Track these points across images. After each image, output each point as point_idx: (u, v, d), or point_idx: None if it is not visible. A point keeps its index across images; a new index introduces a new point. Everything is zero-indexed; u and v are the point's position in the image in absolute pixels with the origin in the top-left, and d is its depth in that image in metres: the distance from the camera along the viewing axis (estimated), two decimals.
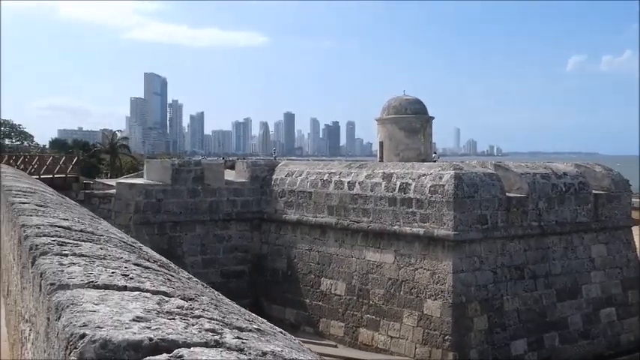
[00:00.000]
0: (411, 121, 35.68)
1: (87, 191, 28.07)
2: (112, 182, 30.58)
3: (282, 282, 27.44)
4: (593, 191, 25.49)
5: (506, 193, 23.00)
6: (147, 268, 2.14)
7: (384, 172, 24.31)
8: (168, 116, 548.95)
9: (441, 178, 22.24)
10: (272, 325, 1.91)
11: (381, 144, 36.70)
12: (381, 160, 35.10)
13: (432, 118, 37.22)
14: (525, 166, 25.37)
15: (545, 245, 23.71)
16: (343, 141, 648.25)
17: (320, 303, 25.75)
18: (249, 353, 1.18)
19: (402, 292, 22.78)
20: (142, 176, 30.51)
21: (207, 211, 27.66)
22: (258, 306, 26.16)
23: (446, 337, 21.13)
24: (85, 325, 1.22)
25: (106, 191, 27.79)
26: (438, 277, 21.70)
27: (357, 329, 24.11)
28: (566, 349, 22.97)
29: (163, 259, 3.15)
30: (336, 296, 25.17)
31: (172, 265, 2.92)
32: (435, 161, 32.91)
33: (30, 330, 2.28)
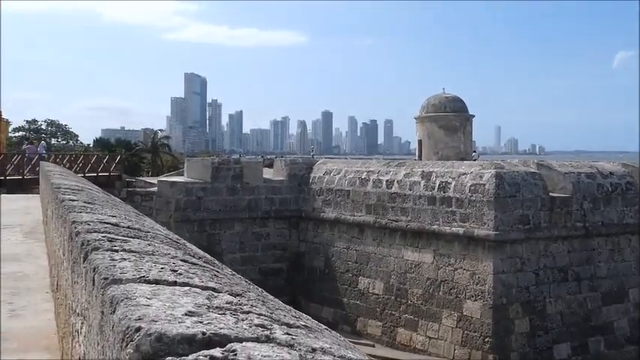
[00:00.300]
0: (450, 119, 35.33)
1: (129, 189, 28.67)
2: (154, 180, 31.16)
3: (319, 280, 27.50)
4: None
5: (550, 193, 22.53)
6: (194, 264, 2.18)
7: (423, 171, 24.11)
8: (207, 115, 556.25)
9: (481, 177, 21.94)
10: (317, 322, 1.92)
11: (420, 142, 36.43)
12: (420, 158, 34.86)
13: (472, 116, 36.77)
14: (569, 165, 24.81)
15: (590, 247, 23.14)
16: (381, 139, 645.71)
17: (357, 302, 25.72)
18: (299, 349, 1.19)
19: (440, 293, 22.57)
20: (182, 174, 31.00)
21: (245, 209, 27.93)
22: (295, 304, 26.27)
23: (486, 339, 20.84)
24: (140, 319, 1.25)
25: (148, 189, 28.33)
26: (478, 277, 21.41)
27: (395, 329, 23.99)
28: (611, 354, 22.37)
29: (207, 255, 3.20)
30: (373, 295, 25.09)
31: (216, 261, 2.96)
32: (474, 160, 32.50)
33: (82, 323, 2.35)
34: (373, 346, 23.74)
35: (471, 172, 22.43)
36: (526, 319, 21.22)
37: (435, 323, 22.55)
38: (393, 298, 24.28)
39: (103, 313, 1.58)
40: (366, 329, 25.01)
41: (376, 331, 24.67)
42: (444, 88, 37.77)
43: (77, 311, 2.63)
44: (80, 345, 2.44)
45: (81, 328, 2.39)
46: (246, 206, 27.99)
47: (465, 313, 21.63)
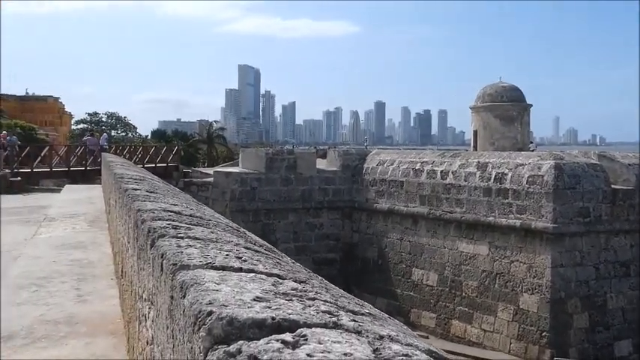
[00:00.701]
0: (507, 108, 34.52)
1: (186, 179, 29.30)
2: (210, 171, 31.74)
3: (372, 271, 27.46)
4: None
5: (612, 185, 21.76)
6: (256, 251, 2.21)
7: (478, 162, 23.68)
8: (261, 106, 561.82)
9: (539, 168, 21.38)
10: (380, 310, 1.93)
11: (475, 132, 35.75)
12: (475, 149, 34.23)
13: (530, 105, 35.83)
14: (633, 156, 23.87)
15: None
16: (435, 130, 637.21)
17: (411, 293, 25.57)
18: (367, 336, 1.20)
19: (496, 285, 22.18)
20: (237, 165, 31.45)
21: (299, 199, 28.12)
22: (349, 294, 26.31)
23: (543, 334, 20.38)
24: (210, 303, 1.28)
25: (204, 179, 28.89)
26: (536, 270, 20.93)
27: (449, 321, 23.74)
28: None
29: (267, 244, 3.24)
30: (427, 287, 24.89)
31: (276, 249, 3.00)
32: (532, 151, 31.68)
33: (149, 308, 2.43)
34: (427, 337, 23.57)
35: (529, 163, 21.89)
36: (585, 314, 20.62)
37: (490, 316, 22.20)
38: (447, 289, 24.02)
39: (172, 297, 1.63)
40: (419, 321, 24.85)
41: (430, 322, 24.48)
42: (500, 77, 36.97)
43: (144, 297, 2.72)
44: (148, 329, 2.52)
45: (148, 312, 2.47)
46: (300, 196, 28.18)
47: (521, 307, 21.20)
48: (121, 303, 5.52)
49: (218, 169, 32.61)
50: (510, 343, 21.31)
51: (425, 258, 25.17)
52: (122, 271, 5.37)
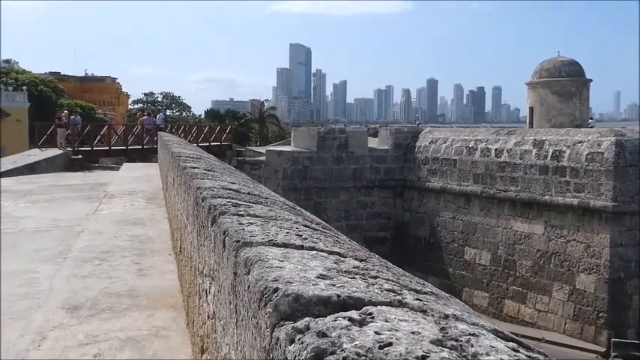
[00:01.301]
0: (565, 84, 33.39)
1: (239, 158, 29.72)
2: (262, 150, 32.06)
3: (424, 250, 27.30)
4: None
5: None
6: (315, 229, 2.23)
7: (534, 139, 23.07)
8: (312, 85, 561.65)
9: (599, 145, 20.66)
10: (439, 290, 1.92)
11: (531, 109, 34.78)
12: (531, 126, 33.33)
13: (590, 80, 34.54)
14: None
15: None
16: (488, 107, 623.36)
17: (464, 272, 25.33)
18: (433, 314, 1.20)
19: (551, 265, 21.71)
20: (288, 144, 31.64)
21: (350, 177, 28.12)
22: None
23: (600, 314, 19.89)
24: (276, 280, 1.30)
25: (257, 158, 29.22)
26: (593, 250, 20.36)
27: (502, 301, 23.43)
28: None
29: (323, 222, 3.26)
30: (480, 266, 24.59)
31: (333, 228, 3.02)
32: (591, 127, 30.61)
33: (210, 283, 2.49)
34: (479, 317, 23.34)
35: (588, 140, 21.18)
36: None
37: (544, 296, 21.79)
38: (500, 269, 23.67)
39: (235, 274, 1.66)
40: (472, 300, 24.62)
41: (482, 302, 24.23)
42: (559, 52, 35.70)
43: (204, 272, 2.78)
44: (209, 304, 2.59)
45: (209, 287, 2.53)
46: (352, 175, 28.17)
47: (577, 287, 20.72)
48: (180, 278, 5.68)
49: (270, 147, 32.90)
50: (565, 324, 20.90)
51: (478, 237, 24.83)
52: (180, 247, 5.51)
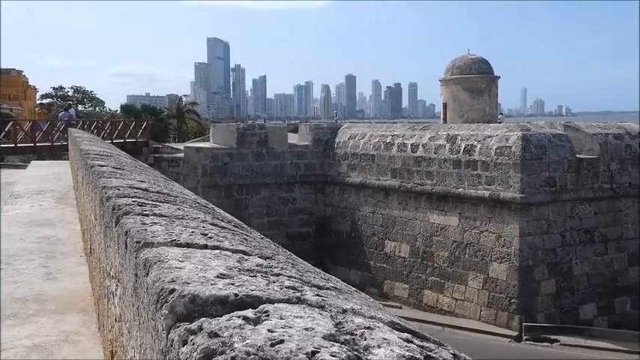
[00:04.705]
0: (475, 81, 34.74)
1: (156, 155, 28.95)
2: (180, 146, 31.40)
3: (346, 244, 27.69)
4: None
5: (577, 155, 22.21)
6: (223, 227, 2.21)
7: (448, 134, 23.89)
8: (231, 80, 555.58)
9: (507, 139, 21.66)
10: (346, 284, 1.95)
11: (445, 105, 35.97)
12: (445, 121, 34.47)
13: (498, 77, 36.11)
14: (597, 126, 24.34)
15: (617, 208, 22.86)
16: (405, 103, 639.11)
17: (384, 265, 25.89)
18: (330, 310, 1.21)
19: (466, 255, 22.59)
20: (208, 140, 31.18)
21: (271, 174, 28.08)
22: (322, 268, 26.42)
23: (512, 301, 20.89)
24: (173, 281, 1.28)
25: (175, 155, 28.59)
26: (504, 240, 21.35)
27: (422, 291, 24.16)
28: (638, 314, 22.27)
29: (236, 219, 3.23)
30: (400, 258, 25.23)
31: (245, 225, 3.00)
32: (500, 122, 32.04)
33: (116, 285, 2.41)
34: (400, 307, 23.98)
35: (497, 135, 22.16)
36: (552, 280, 21.18)
37: (461, 285, 22.64)
38: (419, 260, 24.38)
39: (136, 275, 1.62)
40: (392, 291, 25.23)
41: (403, 293, 24.87)
42: (469, 50, 37.07)
43: (111, 274, 2.70)
44: (116, 306, 2.51)
45: (115, 290, 2.46)
46: (272, 171, 28.13)
47: (491, 275, 21.67)
48: (91, 280, 5.48)
49: (189, 144, 32.30)
50: (481, 311, 21.81)
51: (397, 230, 25.45)
52: (90, 249, 5.32)
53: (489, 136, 22.33)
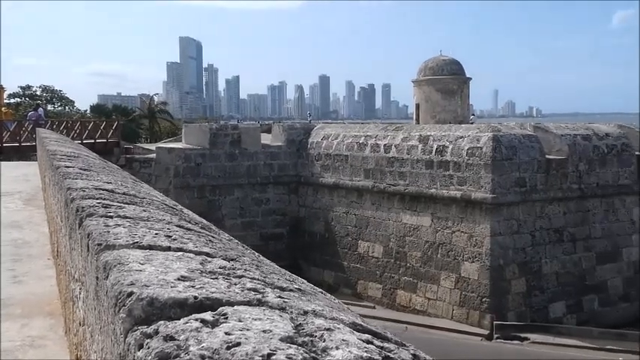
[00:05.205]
0: (447, 82, 35.07)
1: (128, 156, 28.62)
2: (152, 147, 31.09)
3: (320, 244, 27.71)
4: (637, 153, 24.76)
5: (546, 155, 22.57)
6: (189, 229, 2.19)
7: (420, 135, 24.07)
8: (204, 80, 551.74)
9: (478, 140, 21.92)
10: (312, 285, 1.95)
11: (418, 106, 36.24)
12: (418, 122, 34.73)
13: (470, 79, 36.51)
14: (566, 127, 24.79)
15: (586, 208, 23.29)
16: (379, 104, 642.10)
17: (358, 265, 25.97)
18: (291, 312, 1.21)
19: (439, 255, 22.79)
20: (180, 141, 30.91)
21: (245, 174, 27.96)
22: (296, 268, 26.53)
23: (483, 300, 21.14)
24: (132, 284, 1.26)
25: (146, 156, 28.29)
26: (476, 240, 21.59)
27: (395, 291, 24.29)
28: (605, 312, 22.74)
29: (204, 221, 3.21)
30: (373, 258, 25.33)
31: (213, 227, 2.98)
32: (472, 123, 32.41)
33: (80, 289, 2.38)
34: (373, 307, 24.08)
35: (468, 136, 22.40)
36: (522, 279, 21.49)
37: (433, 285, 22.83)
38: (392, 261, 24.52)
39: (97, 278, 1.60)
40: (366, 292, 25.32)
41: (376, 293, 24.98)
42: (441, 51, 37.42)
43: (76, 277, 2.66)
44: (80, 310, 2.47)
45: (79, 293, 2.42)
46: (245, 172, 28.01)
47: (462, 275, 21.89)
48: (58, 283, 5.39)
49: (161, 144, 32.00)
50: (453, 310, 22.02)
51: (370, 230, 25.56)
52: (57, 251, 5.23)
53: (461, 137, 22.56)
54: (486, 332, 20.66)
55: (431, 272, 23.00)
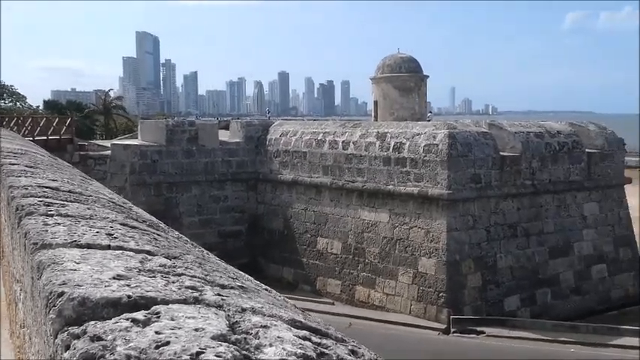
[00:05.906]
0: (405, 79, 35.37)
1: (82, 153, 27.97)
2: (107, 144, 30.48)
3: (279, 241, 27.66)
4: (587, 150, 25.53)
5: (500, 152, 23.03)
6: (133, 227, 2.15)
7: (378, 132, 24.26)
8: (161, 76, 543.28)
9: (434, 137, 22.22)
10: (258, 282, 1.94)
11: (376, 103, 36.47)
12: (376, 119, 34.94)
13: (427, 76, 36.89)
14: (519, 124, 25.33)
15: (538, 204, 23.88)
16: (338, 100, 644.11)
17: (317, 262, 26.03)
18: (228, 310, 1.20)
19: (396, 251, 23.02)
20: (136, 137, 30.38)
21: (202, 171, 27.67)
22: (255, 265, 26.44)
23: (440, 294, 21.46)
24: (64, 284, 1.23)
25: (101, 152, 27.71)
26: (433, 235, 21.90)
27: (354, 287, 24.43)
28: (558, 304, 23.37)
29: (153, 219, 3.16)
30: (332, 255, 25.42)
31: (162, 225, 2.93)
32: (429, 120, 32.82)
33: (20, 290, 2.31)
34: (333, 303, 24.18)
35: (425, 133, 22.68)
36: (478, 274, 21.89)
37: (391, 280, 23.05)
38: (351, 257, 24.65)
39: (32, 278, 1.56)
40: (325, 288, 25.40)
41: (335, 289, 25.08)
42: (398, 49, 37.72)
43: (17, 278, 2.58)
44: (20, 312, 2.40)
45: (19, 294, 2.35)
46: (203, 169, 27.73)
47: (420, 270, 22.17)
48: (3, 284, 5.23)
49: (116, 141, 31.37)
50: (411, 305, 22.29)
51: (329, 227, 25.64)
52: (2, 251, 5.07)
53: (418, 134, 22.83)
54: (443, 326, 20.98)
55: (389, 268, 23.21)
